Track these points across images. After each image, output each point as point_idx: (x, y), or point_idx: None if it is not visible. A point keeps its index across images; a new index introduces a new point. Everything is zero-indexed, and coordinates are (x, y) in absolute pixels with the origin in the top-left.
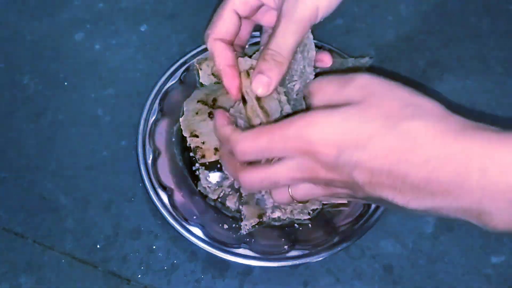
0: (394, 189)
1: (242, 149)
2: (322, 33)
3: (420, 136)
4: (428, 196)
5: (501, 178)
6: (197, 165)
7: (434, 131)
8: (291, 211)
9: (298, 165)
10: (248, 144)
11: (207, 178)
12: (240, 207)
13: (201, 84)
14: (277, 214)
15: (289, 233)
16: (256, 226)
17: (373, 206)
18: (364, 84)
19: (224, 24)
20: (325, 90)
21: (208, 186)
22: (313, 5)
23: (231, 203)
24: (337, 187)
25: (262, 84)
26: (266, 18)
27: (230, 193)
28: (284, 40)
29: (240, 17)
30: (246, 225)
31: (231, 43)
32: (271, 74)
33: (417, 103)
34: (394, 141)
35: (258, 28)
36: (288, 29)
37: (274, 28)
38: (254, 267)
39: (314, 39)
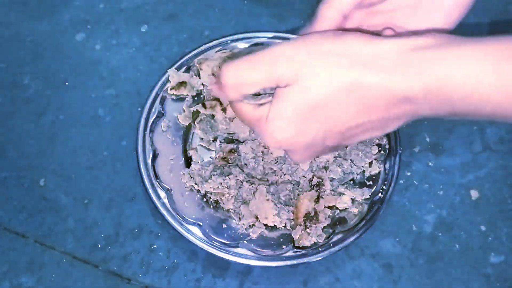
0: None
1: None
2: None
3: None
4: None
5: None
6: None
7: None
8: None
9: None
10: None
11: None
12: (238, 207)
13: (202, 84)
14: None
15: (288, 233)
16: (254, 225)
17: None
18: None
19: None
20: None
21: (208, 186)
22: None
23: (230, 203)
24: None
25: None
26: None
27: (229, 193)
28: None
29: None
30: (244, 224)
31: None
32: None
33: None
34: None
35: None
36: None
37: None
38: (254, 266)
39: None
